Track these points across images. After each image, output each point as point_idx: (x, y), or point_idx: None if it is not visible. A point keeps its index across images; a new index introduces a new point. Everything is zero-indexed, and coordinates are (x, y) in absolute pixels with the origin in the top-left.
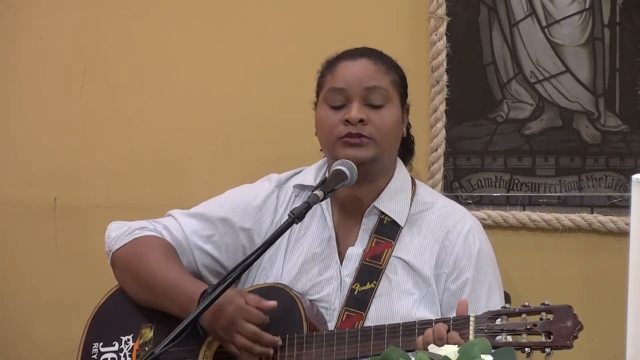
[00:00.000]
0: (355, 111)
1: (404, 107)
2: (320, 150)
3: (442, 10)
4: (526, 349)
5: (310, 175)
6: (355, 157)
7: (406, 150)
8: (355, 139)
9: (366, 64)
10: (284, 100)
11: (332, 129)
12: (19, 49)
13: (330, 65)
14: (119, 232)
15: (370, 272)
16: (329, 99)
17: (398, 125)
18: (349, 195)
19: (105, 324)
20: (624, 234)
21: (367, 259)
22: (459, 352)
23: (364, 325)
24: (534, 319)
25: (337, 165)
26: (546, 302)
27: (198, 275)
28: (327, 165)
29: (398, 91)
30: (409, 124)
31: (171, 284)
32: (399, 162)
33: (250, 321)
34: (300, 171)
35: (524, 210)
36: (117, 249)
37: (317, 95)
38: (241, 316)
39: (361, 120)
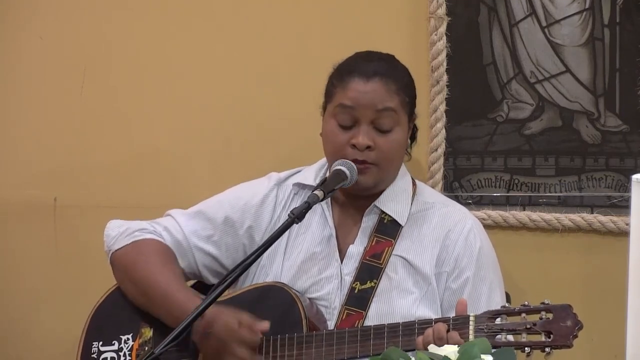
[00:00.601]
0: (362, 137)
1: (411, 121)
2: None
3: (442, 10)
4: (526, 348)
5: (311, 174)
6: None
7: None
8: (359, 165)
9: (378, 86)
10: (284, 100)
11: (339, 149)
12: (19, 49)
13: (341, 77)
14: (119, 232)
15: (370, 271)
16: (338, 116)
17: (404, 145)
18: (349, 195)
19: (105, 323)
20: (624, 234)
21: (367, 258)
22: (459, 352)
23: (364, 324)
24: (534, 318)
25: (338, 165)
26: (546, 301)
27: (199, 276)
28: (327, 165)
29: (407, 111)
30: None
31: (167, 293)
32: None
33: (243, 343)
34: (300, 170)
35: (524, 210)
36: (117, 250)
37: (326, 100)
38: (233, 339)
39: (368, 147)
